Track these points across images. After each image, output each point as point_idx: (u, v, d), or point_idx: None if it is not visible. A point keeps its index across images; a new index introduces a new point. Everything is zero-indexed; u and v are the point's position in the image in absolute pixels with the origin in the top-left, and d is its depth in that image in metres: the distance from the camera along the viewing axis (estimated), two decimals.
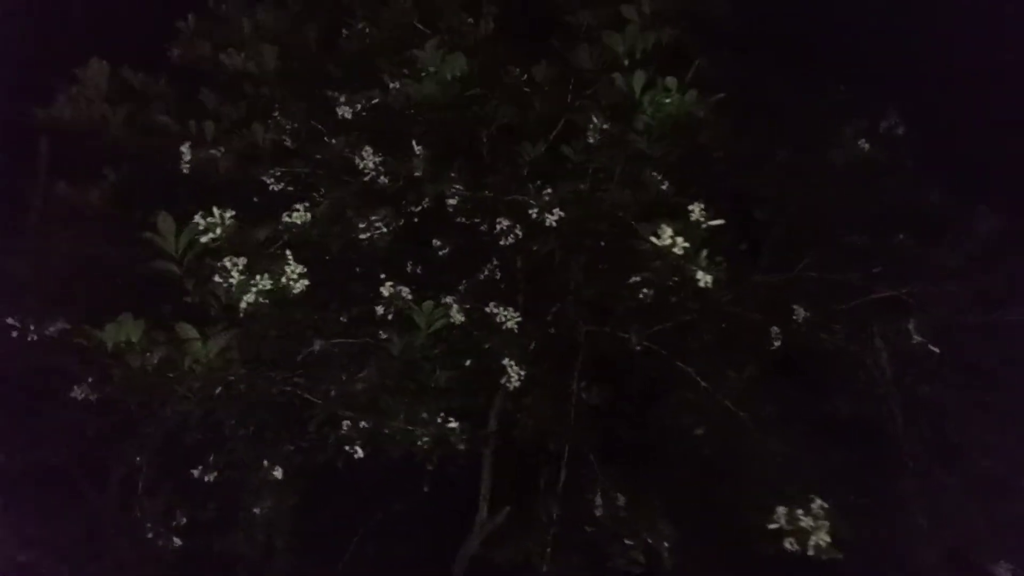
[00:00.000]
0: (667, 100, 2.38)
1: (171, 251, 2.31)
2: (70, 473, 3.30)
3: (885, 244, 3.38)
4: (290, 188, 3.15)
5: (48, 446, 3.22)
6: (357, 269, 2.97)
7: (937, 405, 3.29)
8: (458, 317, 2.76)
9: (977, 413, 3.29)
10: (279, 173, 3.09)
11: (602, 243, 3.10)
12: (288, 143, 3.21)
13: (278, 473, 2.79)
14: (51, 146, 4.03)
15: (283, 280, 2.52)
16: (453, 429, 2.65)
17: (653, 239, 2.38)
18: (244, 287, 2.39)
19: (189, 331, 2.27)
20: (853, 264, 3.31)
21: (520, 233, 3.09)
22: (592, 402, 3.38)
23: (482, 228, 3.20)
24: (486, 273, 3.39)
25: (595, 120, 2.76)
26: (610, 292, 3.24)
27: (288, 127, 3.19)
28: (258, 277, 2.40)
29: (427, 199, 3.04)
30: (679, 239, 2.34)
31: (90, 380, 2.90)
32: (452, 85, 2.93)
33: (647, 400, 3.34)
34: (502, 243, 3.19)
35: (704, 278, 2.36)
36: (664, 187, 2.87)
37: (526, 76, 3.19)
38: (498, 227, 3.21)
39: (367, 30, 3.42)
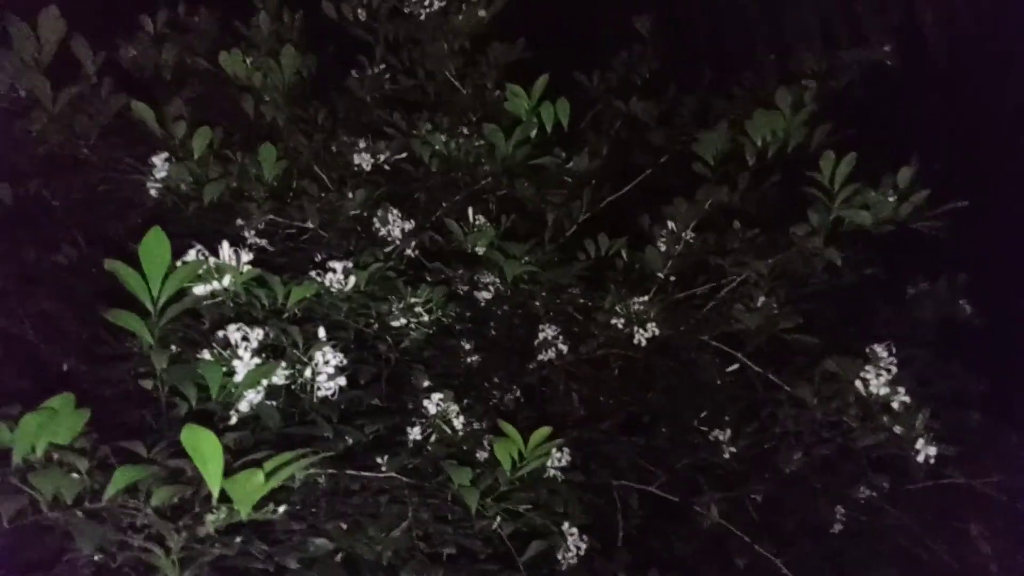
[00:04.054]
0: (890, 199, 1.77)
1: (145, 298, 1.36)
2: None
3: None
4: (290, 244, 2.26)
5: None
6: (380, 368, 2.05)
7: None
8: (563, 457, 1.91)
9: None
10: (285, 223, 2.19)
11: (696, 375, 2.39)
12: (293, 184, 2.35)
13: None
14: None
15: (307, 373, 1.60)
16: None
17: (860, 385, 1.70)
18: (255, 378, 1.45)
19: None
20: None
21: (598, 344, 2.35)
22: None
23: (542, 331, 2.42)
24: (516, 392, 2.59)
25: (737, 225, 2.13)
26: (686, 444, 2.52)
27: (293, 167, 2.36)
28: (283, 364, 1.48)
29: (490, 282, 2.23)
30: (901, 389, 1.67)
31: None
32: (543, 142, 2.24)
33: None
34: (550, 353, 2.46)
35: (926, 450, 1.68)
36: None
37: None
38: (546, 333, 2.48)
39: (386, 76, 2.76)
